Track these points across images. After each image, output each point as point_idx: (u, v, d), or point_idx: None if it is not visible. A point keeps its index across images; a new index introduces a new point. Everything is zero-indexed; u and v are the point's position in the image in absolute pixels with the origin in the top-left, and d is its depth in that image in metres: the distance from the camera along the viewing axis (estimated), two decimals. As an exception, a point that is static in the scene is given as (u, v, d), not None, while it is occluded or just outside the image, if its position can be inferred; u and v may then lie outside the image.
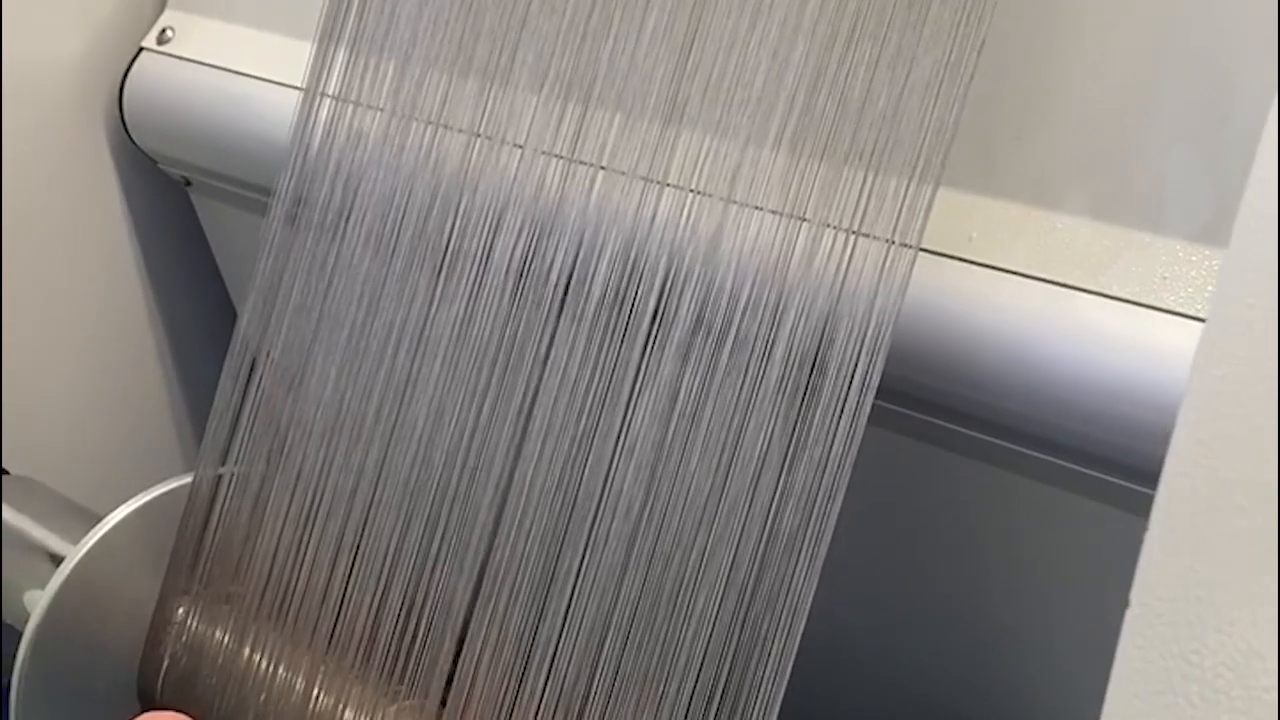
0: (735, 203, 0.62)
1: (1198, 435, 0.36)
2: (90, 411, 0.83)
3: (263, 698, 0.73)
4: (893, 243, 0.60)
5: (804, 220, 0.61)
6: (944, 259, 0.68)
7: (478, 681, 0.68)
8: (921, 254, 0.68)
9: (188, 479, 0.78)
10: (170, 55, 0.93)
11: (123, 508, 0.77)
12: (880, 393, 0.68)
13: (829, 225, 0.61)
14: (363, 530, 0.72)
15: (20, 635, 0.75)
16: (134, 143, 0.98)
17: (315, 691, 0.72)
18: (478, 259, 0.68)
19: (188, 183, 1.00)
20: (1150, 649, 0.37)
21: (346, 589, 0.72)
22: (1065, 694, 0.77)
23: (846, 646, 0.85)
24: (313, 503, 0.73)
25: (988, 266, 0.67)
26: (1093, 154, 0.65)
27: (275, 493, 0.74)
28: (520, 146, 0.67)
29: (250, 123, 0.89)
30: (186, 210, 1.03)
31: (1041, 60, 0.66)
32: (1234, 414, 0.36)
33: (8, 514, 0.86)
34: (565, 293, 0.66)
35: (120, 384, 0.79)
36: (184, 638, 0.77)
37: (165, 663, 0.78)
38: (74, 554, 0.75)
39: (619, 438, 0.66)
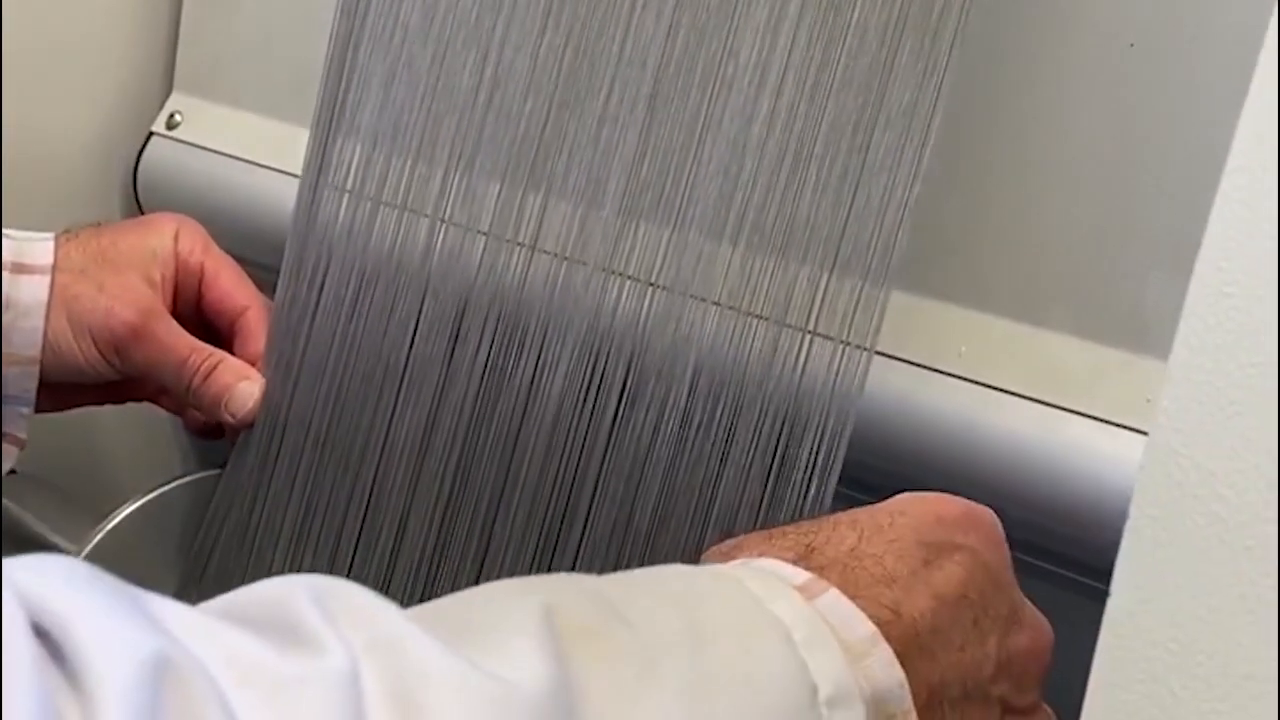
0: (693, 296, 0.62)
1: (1176, 424, 0.36)
2: (95, 412, 0.83)
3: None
4: (847, 344, 0.60)
5: (761, 319, 0.61)
6: (933, 373, 0.68)
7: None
8: (911, 367, 0.68)
9: (191, 477, 0.77)
10: (179, 141, 0.94)
11: (127, 505, 0.76)
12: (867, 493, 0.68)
13: (787, 325, 0.61)
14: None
15: None
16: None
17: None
18: (442, 362, 0.68)
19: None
20: (1131, 638, 0.37)
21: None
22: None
23: None
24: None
25: (976, 383, 0.67)
26: (1077, 274, 0.64)
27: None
28: (484, 234, 0.67)
29: (259, 208, 0.89)
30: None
31: (1026, 178, 0.65)
32: (1212, 402, 0.36)
33: (13, 513, 0.85)
34: (527, 401, 0.65)
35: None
36: None
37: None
38: (79, 552, 0.74)
39: (578, 550, 0.65)
